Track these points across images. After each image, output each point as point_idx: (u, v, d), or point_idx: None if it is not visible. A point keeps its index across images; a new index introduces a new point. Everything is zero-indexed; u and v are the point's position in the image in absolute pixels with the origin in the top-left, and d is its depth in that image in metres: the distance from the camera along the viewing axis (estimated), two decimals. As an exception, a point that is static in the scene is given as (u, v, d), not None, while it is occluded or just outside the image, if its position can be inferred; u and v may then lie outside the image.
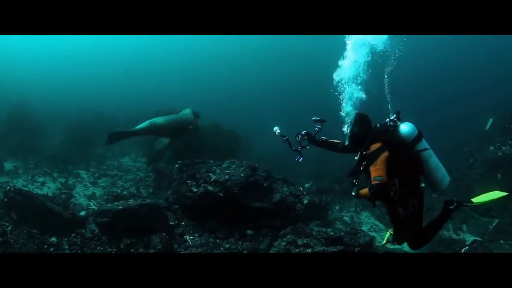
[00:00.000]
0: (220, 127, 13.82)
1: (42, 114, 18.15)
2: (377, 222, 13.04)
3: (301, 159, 5.32)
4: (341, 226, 8.05)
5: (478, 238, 11.16)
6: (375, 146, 4.51)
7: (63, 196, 10.90)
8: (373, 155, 4.49)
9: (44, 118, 17.87)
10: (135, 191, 12.10)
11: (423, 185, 4.79)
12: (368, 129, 4.79)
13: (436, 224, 5.47)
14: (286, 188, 8.22)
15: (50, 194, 10.74)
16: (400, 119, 4.80)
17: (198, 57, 47.88)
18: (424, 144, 4.74)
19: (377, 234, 12.01)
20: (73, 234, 6.81)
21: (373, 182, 4.35)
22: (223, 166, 7.79)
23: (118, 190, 12.21)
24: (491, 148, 13.77)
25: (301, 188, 8.93)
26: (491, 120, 15.53)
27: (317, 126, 5.27)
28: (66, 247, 6.48)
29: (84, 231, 6.91)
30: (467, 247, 6.00)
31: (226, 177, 7.40)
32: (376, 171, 4.38)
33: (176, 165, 8.44)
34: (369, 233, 11.71)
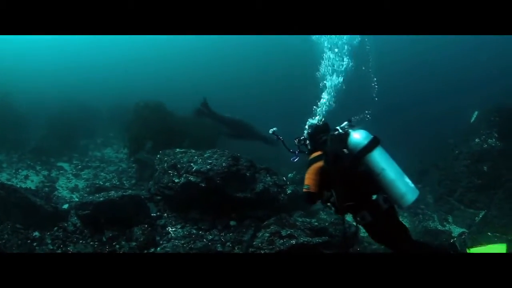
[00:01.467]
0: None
1: (26, 107, 18.01)
2: (362, 212, 13.03)
3: (296, 159, 5.41)
4: (325, 217, 7.93)
5: (464, 230, 11.18)
6: (315, 155, 4.72)
7: (46, 189, 10.79)
8: (309, 164, 4.72)
9: (27, 111, 17.74)
10: (118, 183, 11.95)
11: (374, 197, 4.52)
12: (313, 137, 5.01)
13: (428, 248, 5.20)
14: (269, 178, 8.06)
15: (33, 188, 10.61)
16: (352, 126, 4.80)
17: (183, 48, 47.56)
18: (377, 155, 4.51)
19: (362, 225, 12.00)
20: (55, 228, 6.66)
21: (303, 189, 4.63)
22: (205, 155, 7.60)
23: (100, 182, 12.07)
24: (477, 140, 13.80)
25: (284, 178, 8.76)
26: (476, 113, 15.60)
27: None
28: (49, 241, 6.36)
29: (66, 224, 6.74)
30: (455, 238, 5.89)
31: (208, 167, 7.21)
32: (306, 180, 4.62)
33: (158, 155, 8.27)
34: (354, 223, 11.74)
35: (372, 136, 4.58)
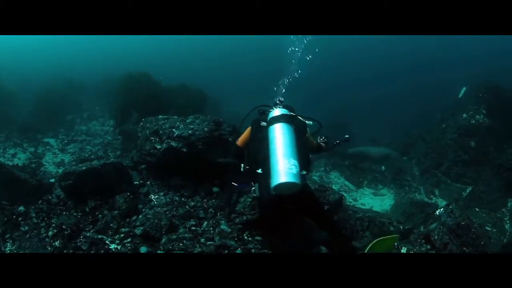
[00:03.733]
0: (188, 88, 13.70)
1: (14, 84, 17.95)
2: (347, 182, 13.17)
3: None
4: (316, 187, 7.86)
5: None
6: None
7: (33, 165, 10.81)
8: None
9: (15, 88, 17.70)
10: (103, 155, 11.89)
11: (260, 171, 4.76)
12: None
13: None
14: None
15: (20, 165, 10.65)
16: (279, 104, 5.31)
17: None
18: (276, 129, 4.77)
19: (347, 194, 12.08)
20: (39, 201, 6.59)
21: None
22: (187, 121, 7.47)
23: (86, 155, 12.03)
24: (464, 115, 13.89)
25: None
26: (464, 88, 15.68)
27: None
28: (34, 215, 6.29)
29: (50, 197, 6.66)
30: (441, 209, 5.87)
31: (190, 132, 7.08)
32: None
33: (141, 123, 8.16)
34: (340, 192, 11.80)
35: (287, 114, 4.97)
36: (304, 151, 5.01)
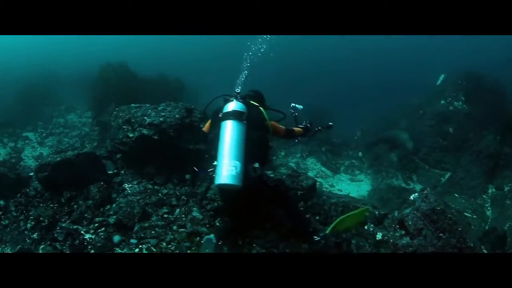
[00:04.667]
0: (166, 77, 13.65)
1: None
2: (323, 168, 13.20)
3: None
4: (285, 171, 7.88)
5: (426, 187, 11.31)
6: None
7: (13, 160, 10.80)
8: None
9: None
10: (80, 146, 11.82)
11: (215, 163, 4.90)
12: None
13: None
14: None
15: (0, 160, 10.68)
16: (236, 96, 5.27)
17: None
18: (228, 126, 4.88)
19: (324, 180, 12.08)
20: (18, 195, 6.60)
21: None
22: (159, 108, 7.43)
23: (63, 148, 11.96)
24: (442, 102, 14.01)
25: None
26: (442, 76, 15.79)
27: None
28: (13, 209, 6.33)
29: (28, 190, 6.66)
30: (416, 194, 5.85)
31: (161, 119, 7.06)
32: None
33: (114, 112, 8.09)
34: (316, 178, 11.77)
35: (237, 110, 4.97)
36: (260, 143, 5.18)
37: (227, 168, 4.60)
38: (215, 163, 4.86)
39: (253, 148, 4.94)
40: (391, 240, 5.49)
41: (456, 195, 10.58)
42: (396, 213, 6.30)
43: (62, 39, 38.52)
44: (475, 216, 9.19)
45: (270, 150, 5.56)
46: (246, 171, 4.79)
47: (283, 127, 5.64)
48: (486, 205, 9.91)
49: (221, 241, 5.27)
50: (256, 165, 4.96)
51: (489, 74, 15.31)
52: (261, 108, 5.38)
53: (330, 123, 6.27)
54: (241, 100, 5.17)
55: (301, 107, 5.98)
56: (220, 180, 4.63)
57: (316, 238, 5.29)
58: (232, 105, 5.02)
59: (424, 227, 5.23)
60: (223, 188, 4.82)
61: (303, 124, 6.01)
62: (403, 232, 5.47)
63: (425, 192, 5.75)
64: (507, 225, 7.58)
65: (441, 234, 5.14)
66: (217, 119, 5.09)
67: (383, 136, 14.54)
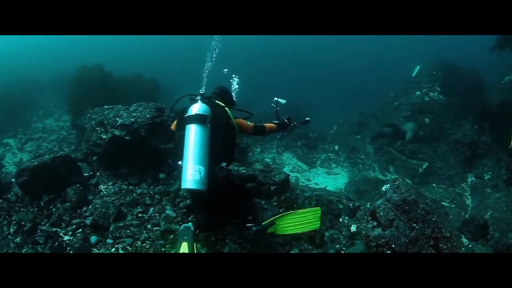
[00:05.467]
0: (141, 77, 13.67)
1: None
2: (299, 163, 13.27)
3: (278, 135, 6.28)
4: (260, 167, 7.93)
5: (407, 180, 11.40)
6: None
7: None
8: None
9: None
10: (58, 150, 11.81)
11: (180, 162, 5.05)
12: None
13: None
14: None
15: None
16: (200, 97, 5.27)
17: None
18: (192, 129, 4.95)
19: (300, 174, 12.15)
20: (0, 200, 6.65)
21: None
22: (131, 109, 7.50)
23: (42, 152, 11.95)
24: (418, 93, 14.14)
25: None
26: (418, 67, 15.95)
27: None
28: None
29: (9, 195, 6.72)
30: (388, 185, 5.83)
31: (132, 119, 7.11)
32: None
33: (88, 114, 8.13)
34: (292, 173, 11.84)
35: (200, 113, 4.99)
36: (225, 144, 5.28)
37: (191, 173, 4.72)
38: (180, 162, 4.97)
39: (218, 149, 5.08)
40: (363, 232, 5.48)
41: (434, 184, 10.60)
42: (368, 205, 6.33)
43: (33, 40, 38.23)
44: (453, 205, 9.05)
45: (236, 148, 5.62)
46: (212, 172, 4.92)
47: (251, 124, 5.69)
48: (466, 194, 9.84)
49: (198, 230, 5.31)
50: (223, 164, 5.11)
51: (465, 64, 15.47)
52: (226, 108, 5.41)
53: (307, 119, 6.30)
54: (205, 101, 5.22)
55: (284, 101, 6.06)
56: (185, 185, 4.77)
57: (250, 225, 5.40)
58: (196, 108, 5.05)
59: (396, 218, 5.19)
60: (187, 191, 5.04)
61: (282, 118, 6.09)
62: (375, 223, 5.40)
63: (396, 183, 5.69)
64: (488, 213, 7.49)
65: (414, 225, 5.12)
66: (183, 120, 5.15)
67: (390, 123, 14.24)
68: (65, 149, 11.91)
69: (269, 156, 13.52)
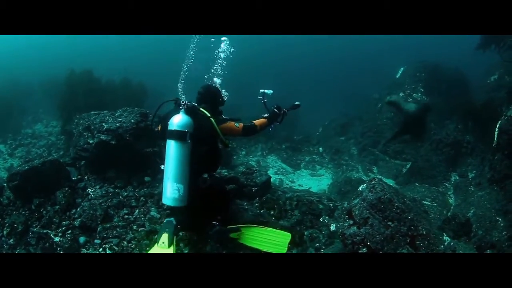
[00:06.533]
0: (129, 81, 13.84)
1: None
2: (284, 165, 13.41)
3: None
4: (244, 170, 8.12)
5: (390, 180, 11.62)
6: None
7: None
8: None
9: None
10: (47, 155, 11.98)
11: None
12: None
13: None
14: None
15: None
16: (182, 107, 5.07)
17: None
18: (170, 146, 4.97)
19: (284, 176, 12.31)
20: None
21: None
22: (116, 114, 7.77)
23: (32, 157, 12.09)
24: (401, 94, 14.20)
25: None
26: (401, 69, 16.10)
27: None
28: None
29: (1, 199, 7.03)
30: (364, 185, 6.00)
31: (118, 124, 7.39)
32: None
33: (75, 120, 8.34)
34: (276, 176, 12.03)
35: (179, 130, 4.91)
36: (207, 157, 5.25)
37: (170, 191, 4.88)
38: (163, 167, 5.07)
39: (201, 163, 5.13)
40: (340, 230, 5.65)
41: (417, 184, 10.73)
42: (346, 204, 6.54)
43: (25, 46, 38.09)
44: (435, 204, 9.20)
45: (221, 158, 5.65)
46: (194, 186, 5.05)
47: (240, 125, 5.53)
48: (449, 192, 10.01)
49: (180, 225, 5.50)
50: (205, 175, 5.24)
51: (449, 64, 15.64)
52: (211, 119, 5.17)
53: (297, 103, 6.24)
54: (188, 112, 5.06)
55: (271, 91, 6.02)
56: (165, 201, 4.96)
57: (215, 223, 5.46)
58: (177, 120, 4.95)
59: (370, 216, 5.30)
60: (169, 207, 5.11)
61: (272, 109, 6.02)
62: (351, 222, 5.49)
63: (372, 182, 5.79)
64: (471, 211, 7.60)
65: (389, 223, 5.23)
66: (165, 129, 5.10)
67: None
68: (54, 154, 12.08)
69: (253, 159, 13.64)
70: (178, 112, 5.05)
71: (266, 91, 6.01)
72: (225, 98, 5.90)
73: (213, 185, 5.38)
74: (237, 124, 5.48)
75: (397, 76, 15.99)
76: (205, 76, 6.15)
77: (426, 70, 15.03)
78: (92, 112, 8.10)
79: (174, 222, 5.34)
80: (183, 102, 5.08)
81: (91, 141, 7.46)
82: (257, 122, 5.76)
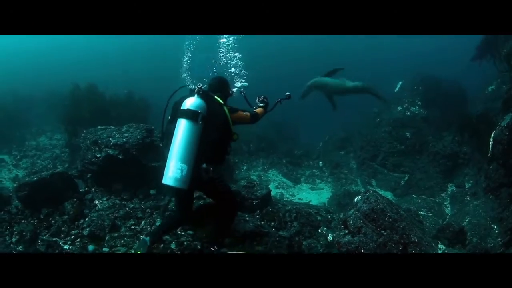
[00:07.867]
0: (133, 97, 14.05)
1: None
2: (284, 179, 13.58)
3: None
4: (245, 184, 8.35)
5: (389, 192, 11.85)
6: None
7: None
8: None
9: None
10: (53, 167, 12.20)
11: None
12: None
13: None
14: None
15: None
16: (196, 92, 4.94)
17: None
18: (180, 124, 4.78)
19: (285, 190, 12.50)
20: (1, 212, 7.13)
21: None
22: (122, 130, 8.14)
23: (37, 169, 12.33)
24: (399, 108, 14.46)
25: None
26: (400, 83, 16.30)
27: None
28: None
29: (10, 208, 7.24)
30: (359, 197, 6.29)
31: (124, 140, 7.75)
32: None
33: (82, 134, 8.62)
34: (277, 190, 12.26)
35: (192, 109, 4.78)
36: (216, 145, 5.08)
37: (173, 170, 4.60)
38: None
39: (207, 150, 4.89)
40: (336, 239, 5.92)
41: (414, 196, 10.98)
42: (342, 215, 6.81)
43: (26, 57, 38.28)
44: (430, 214, 9.51)
45: (228, 150, 5.38)
46: (197, 172, 4.80)
47: (247, 113, 5.45)
48: (446, 203, 10.30)
49: (154, 245, 5.54)
50: (204, 166, 4.93)
51: (446, 77, 15.82)
52: (224, 107, 5.12)
53: (288, 93, 6.13)
54: (202, 96, 4.96)
55: (246, 84, 6.14)
56: (165, 181, 4.66)
57: (212, 249, 5.43)
58: (190, 102, 4.83)
59: (364, 225, 5.66)
60: (165, 186, 4.72)
61: (258, 101, 5.96)
62: (346, 231, 5.83)
63: (367, 194, 6.19)
64: (466, 220, 7.69)
65: (382, 231, 5.58)
66: (176, 112, 4.96)
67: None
68: (59, 166, 12.26)
69: (255, 173, 13.85)
70: (190, 96, 4.95)
71: (242, 84, 6.18)
72: (243, 90, 5.95)
73: (216, 180, 5.20)
74: (245, 113, 5.42)
75: (396, 90, 16.18)
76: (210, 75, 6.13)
77: (423, 83, 15.21)
78: (99, 127, 8.40)
79: (148, 243, 5.16)
80: (198, 86, 4.96)
81: (98, 155, 7.76)
82: (257, 110, 5.73)
